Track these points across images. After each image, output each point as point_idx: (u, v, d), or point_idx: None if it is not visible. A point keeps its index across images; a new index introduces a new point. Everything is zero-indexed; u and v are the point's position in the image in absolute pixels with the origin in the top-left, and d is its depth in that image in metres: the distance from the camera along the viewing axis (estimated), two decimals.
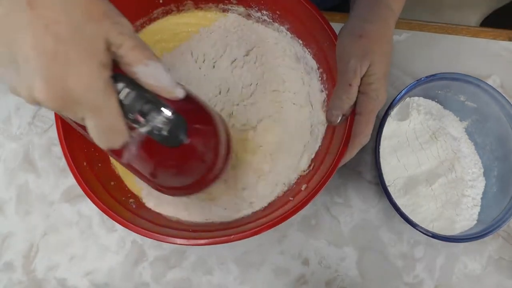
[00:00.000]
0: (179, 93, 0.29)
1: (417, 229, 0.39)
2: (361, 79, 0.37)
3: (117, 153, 0.30)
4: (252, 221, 0.38)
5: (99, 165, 0.41)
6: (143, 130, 0.28)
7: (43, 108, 0.48)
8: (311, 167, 0.41)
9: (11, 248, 0.45)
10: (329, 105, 0.40)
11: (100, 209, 0.36)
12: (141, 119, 0.28)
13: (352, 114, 0.39)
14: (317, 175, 0.39)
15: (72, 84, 0.23)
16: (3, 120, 0.48)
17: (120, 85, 0.27)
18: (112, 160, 0.42)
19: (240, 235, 0.35)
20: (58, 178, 0.46)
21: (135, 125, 0.28)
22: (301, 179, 0.41)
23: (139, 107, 0.27)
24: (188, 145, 0.30)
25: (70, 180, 0.46)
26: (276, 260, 0.45)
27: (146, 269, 0.44)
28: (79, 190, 0.37)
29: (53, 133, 0.38)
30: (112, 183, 0.41)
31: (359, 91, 0.38)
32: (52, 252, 0.45)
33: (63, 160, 0.38)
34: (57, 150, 0.39)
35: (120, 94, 0.27)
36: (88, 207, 0.45)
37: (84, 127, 0.27)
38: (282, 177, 0.42)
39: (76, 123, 0.30)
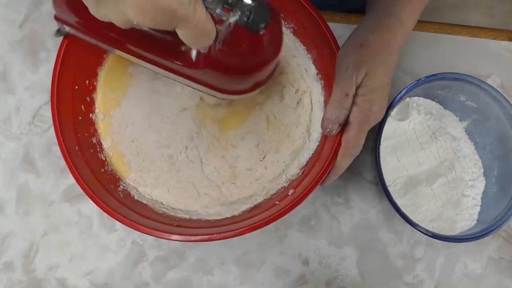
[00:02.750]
0: None
1: (417, 229, 0.39)
2: (356, 89, 0.37)
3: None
4: (236, 222, 0.38)
5: (91, 151, 0.41)
6: (232, 19, 0.30)
7: (43, 108, 0.48)
8: (301, 172, 0.41)
9: (11, 248, 0.45)
10: (324, 115, 0.39)
11: (88, 195, 0.37)
12: (228, 11, 0.30)
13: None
14: (305, 181, 0.39)
15: (163, 3, 0.24)
16: (3, 120, 0.48)
17: None
18: (105, 146, 0.43)
19: (222, 234, 0.35)
20: (58, 178, 0.46)
21: (223, 17, 0.30)
22: (290, 184, 0.41)
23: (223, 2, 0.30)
24: (264, 34, 0.32)
25: (70, 180, 0.46)
26: (276, 260, 0.45)
27: (146, 269, 0.44)
28: (79, 190, 0.37)
29: (53, 133, 0.38)
30: (102, 170, 0.41)
31: (353, 101, 0.37)
32: (52, 252, 0.45)
33: (63, 160, 0.38)
34: (57, 150, 0.39)
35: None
36: (88, 207, 0.45)
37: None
38: (272, 181, 0.42)
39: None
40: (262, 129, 0.43)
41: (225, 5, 0.30)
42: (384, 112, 0.38)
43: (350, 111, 0.37)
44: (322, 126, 0.39)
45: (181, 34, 0.27)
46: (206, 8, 0.28)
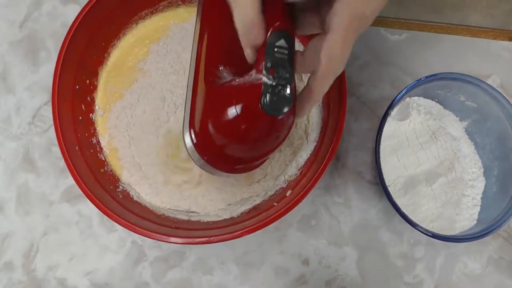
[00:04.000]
0: None
1: (417, 229, 0.39)
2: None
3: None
4: (235, 224, 0.39)
5: (91, 151, 0.41)
6: (267, 81, 0.29)
7: (43, 108, 0.48)
8: (299, 173, 0.41)
9: (11, 248, 0.45)
10: None
11: (87, 196, 0.37)
12: (272, 71, 0.29)
13: (340, 130, 0.37)
14: (303, 182, 0.39)
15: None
16: (3, 120, 0.48)
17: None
18: (102, 144, 0.43)
19: (221, 237, 0.35)
20: (58, 178, 0.46)
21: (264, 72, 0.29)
22: (288, 185, 0.41)
23: (280, 59, 0.29)
24: (280, 119, 0.30)
25: (70, 180, 0.46)
26: (276, 260, 0.45)
27: (146, 269, 0.44)
28: (79, 190, 0.37)
29: (53, 133, 0.38)
30: (102, 170, 0.41)
31: None
32: (52, 252, 0.45)
33: (63, 160, 0.38)
34: (57, 150, 0.39)
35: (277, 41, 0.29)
36: (88, 207, 0.45)
37: None
38: (271, 181, 0.42)
39: None
40: None
41: (275, 63, 0.29)
42: (377, 13, 0.28)
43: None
44: None
45: (234, 15, 0.28)
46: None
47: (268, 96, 0.29)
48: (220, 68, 0.33)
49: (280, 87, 0.29)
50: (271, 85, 0.29)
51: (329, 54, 0.28)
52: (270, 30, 0.29)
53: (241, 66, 0.31)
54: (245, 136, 0.31)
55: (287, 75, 0.30)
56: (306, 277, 0.44)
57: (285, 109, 0.29)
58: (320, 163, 0.38)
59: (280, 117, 0.30)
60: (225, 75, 0.33)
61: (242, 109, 0.30)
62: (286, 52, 0.30)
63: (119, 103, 0.44)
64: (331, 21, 0.27)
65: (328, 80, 0.30)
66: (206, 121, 0.32)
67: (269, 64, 0.29)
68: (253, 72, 0.30)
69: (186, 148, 0.33)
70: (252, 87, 0.29)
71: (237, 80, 0.31)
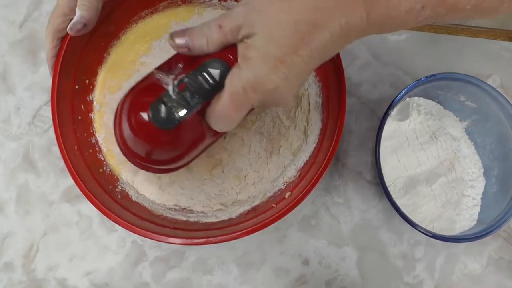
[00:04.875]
0: None
1: (417, 229, 0.39)
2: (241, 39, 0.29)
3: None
4: (233, 225, 0.39)
5: (90, 151, 0.41)
6: (170, 90, 0.29)
7: (43, 108, 0.48)
8: (299, 174, 0.41)
9: (11, 248, 0.45)
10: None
11: (86, 197, 0.37)
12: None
13: (340, 131, 0.37)
14: (302, 184, 0.39)
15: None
16: (3, 120, 0.48)
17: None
18: (100, 141, 0.43)
19: (219, 238, 0.35)
20: (58, 178, 0.46)
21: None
22: (287, 186, 0.41)
23: (198, 85, 0.29)
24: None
25: (70, 180, 0.46)
26: (276, 260, 0.45)
27: (146, 269, 0.44)
28: (79, 190, 0.37)
29: (53, 133, 0.38)
30: (101, 170, 0.41)
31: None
32: (52, 252, 0.45)
33: (63, 161, 0.38)
34: (57, 150, 0.39)
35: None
36: (88, 207, 0.45)
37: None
38: (269, 183, 0.42)
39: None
40: (269, 131, 0.43)
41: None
42: (288, 97, 0.29)
43: (208, 46, 0.30)
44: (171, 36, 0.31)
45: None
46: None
47: (158, 103, 0.28)
48: (179, 65, 0.32)
49: (175, 105, 0.29)
50: (170, 96, 0.28)
51: (214, 107, 0.30)
52: (217, 55, 0.29)
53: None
54: (135, 134, 0.31)
55: (191, 101, 0.29)
56: (306, 277, 0.44)
57: (166, 126, 0.29)
58: (319, 165, 0.38)
59: (165, 129, 0.29)
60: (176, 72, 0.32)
61: (138, 104, 0.29)
62: (211, 83, 0.29)
63: (117, 94, 0.43)
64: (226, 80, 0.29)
65: (217, 125, 0.31)
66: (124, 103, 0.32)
67: (186, 80, 0.29)
68: (171, 76, 0.29)
69: None
70: (156, 88, 0.29)
71: (160, 75, 0.30)
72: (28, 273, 0.45)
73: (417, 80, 0.42)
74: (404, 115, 0.46)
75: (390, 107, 0.41)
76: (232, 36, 0.29)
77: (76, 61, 0.40)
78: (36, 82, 0.48)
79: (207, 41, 0.29)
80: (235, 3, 0.45)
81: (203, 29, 0.30)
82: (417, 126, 0.46)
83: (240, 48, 0.28)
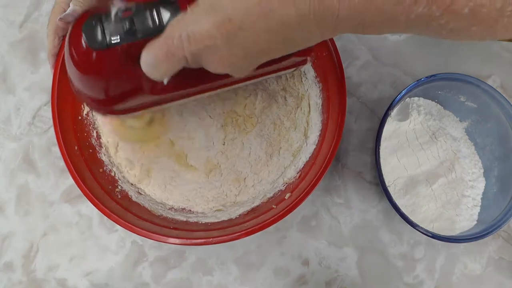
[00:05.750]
0: None
1: (417, 230, 0.39)
2: None
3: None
4: (233, 225, 0.39)
5: (90, 151, 0.41)
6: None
7: (43, 108, 0.48)
8: (298, 175, 0.41)
9: (11, 248, 0.45)
10: None
11: (86, 197, 0.37)
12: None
13: (340, 131, 0.37)
14: (302, 185, 0.39)
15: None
16: (3, 120, 0.48)
17: None
18: (103, 140, 0.43)
19: (219, 238, 0.35)
20: (58, 178, 0.46)
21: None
22: (286, 187, 0.41)
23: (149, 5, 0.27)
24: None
25: (70, 181, 0.46)
26: (276, 260, 0.45)
27: (146, 269, 0.44)
28: (79, 190, 0.37)
29: (53, 133, 0.38)
30: (101, 170, 0.41)
31: None
32: (52, 252, 0.45)
33: (63, 161, 0.38)
34: (57, 150, 0.39)
35: None
36: (88, 208, 0.45)
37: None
38: (268, 185, 0.42)
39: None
40: (270, 133, 0.43)
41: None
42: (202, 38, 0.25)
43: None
44: None
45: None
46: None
47: (95, 21, 0.26)
48: None
49: (111, 29, 0.27)
50: (109, 18, 0.26)
51: (149, 48, 0.27)
52: None
53: None
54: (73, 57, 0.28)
55: (128, 32, 0.27)
56: (306, 277, 0.44)
57: (94, 45, 0.26)
58: (319, 166, 0.38)
59: (95, 50, 0.27)
60: None
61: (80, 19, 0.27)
62: (156, 24, 0.27)
63: None
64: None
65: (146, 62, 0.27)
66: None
67: (133, 9, 0.27)
68: (124, 1, 0.27)
69: None
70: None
71: None
72: (28, 273, 0.45)
73: (417, 81, 0.42)
74: (404, 115, 0.46)
75: (390, 107, 0.41)
76: None
77: None
78: (36, 82, 0.48)
79: None
80: None
81: None
82: (417, 127, 0.46)
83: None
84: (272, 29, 0.24)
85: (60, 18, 0.35)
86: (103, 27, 0.27)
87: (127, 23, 0.27)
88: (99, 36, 0.27)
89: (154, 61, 0.26)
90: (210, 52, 0.25)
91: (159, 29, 0.27)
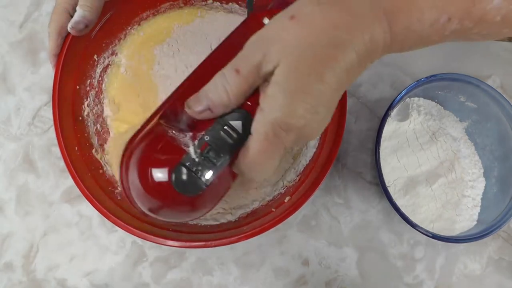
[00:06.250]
0: None
1: (417, 230, 0.39)
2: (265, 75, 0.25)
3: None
4: (232, 228, 0.39)
5: (90, 151, 0.41)
6: (191, 152, 0.26)
7: (43, 108, 0.48)
8: (298, 179, 0.41)
9: (11, 248, 0.45)
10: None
11: (86, 197, 0.37)
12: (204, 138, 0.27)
13: (341, 134, 0.37)
14: (302, 188, 0.39)
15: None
16: (3, 120, 0.48)
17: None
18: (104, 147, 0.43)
19: (218, 241, 0.35)
20: (58, 179, 0.46)
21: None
22: (286, 190, 0.41)
23: (221, 140, 0.27)
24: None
25: (70, 181, 0.46)
26: (276, 260, 0.45)
27: (146, 270, 0.44)
28: (79, 190, 0.37)
29: (53, 133, 0.38)
30: (101, 171, 0.41)
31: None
32: (52, 252, 0.45)
33: (63, 161, 0.38)
34: (57, 150, 0.39)
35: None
36: (88, 208, 0.45)
37: None
38: (268, 187, 0.42)
39: None
40: None
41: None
42: (317, 133, 0.27)
43: (234, 98, 0.26)
44: (187, 102, 0.28)
45: None
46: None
47: (182, 169, 0.26)
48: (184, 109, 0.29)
49: (200, 168, 0.26)
50: (192, 159, 0.26)
51: (242, 156, 0.27)
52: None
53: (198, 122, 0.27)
54: (155, 200, 0.28)
55: (217, 161, 0.26)
56: (306, 277, 0.44)
57: (192, 193, 0.26)
58: (319, 169, 0.38)
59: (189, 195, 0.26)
60: (184, 118, 0.28)
61: (155, 167, 0.26)
62: (235, 137, 0.26)
63: None
64: (252, 125, 0.26)
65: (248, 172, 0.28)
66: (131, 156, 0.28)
67: (206, 138, 0.26)
68: (189, 135, 0.26)
69: None
70: (176, 150, 0.26)
71: (173, 132, 0.27)
72: (28, 273, 0.45)
73: (417, 81, 0.42)
74: (404, 115, 0.46)
75: (390, 107, 0.41)
76: (253, 78, 0.25)
77: (76, 61, 0.40)
78: (36, 82, 0.48)
79: (226, 93, 0.26)
80: (237, 6, 0.45)
81: (217, 80, 0.26)
82: (417, 127, 0.46)
83: (260, 88, 0.25)
84: (342, 80, 0.24)
85: (72, 27, 0.35)
86: (193, 172, 0.26)
87: (212, 155, 0.26)
88: (194, 182, 0.26)
89: (258, 167, 0.26)
90: (304, 130, 0.25)
91: (241, 139, 0.27)
